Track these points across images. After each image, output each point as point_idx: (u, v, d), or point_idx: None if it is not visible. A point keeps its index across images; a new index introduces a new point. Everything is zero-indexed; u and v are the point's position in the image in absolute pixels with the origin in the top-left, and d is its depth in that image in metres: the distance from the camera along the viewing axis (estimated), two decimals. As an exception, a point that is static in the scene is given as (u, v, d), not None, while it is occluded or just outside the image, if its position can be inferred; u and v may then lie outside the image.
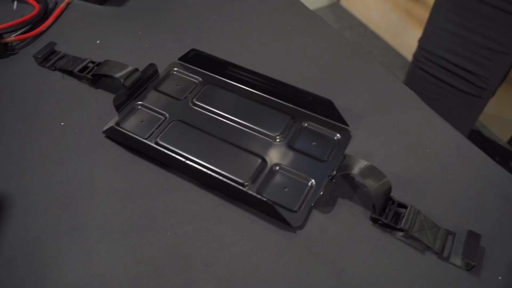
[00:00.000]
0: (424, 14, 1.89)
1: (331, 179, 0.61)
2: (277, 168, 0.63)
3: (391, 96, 0.78)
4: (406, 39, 1.94)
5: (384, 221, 0.57)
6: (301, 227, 0.58)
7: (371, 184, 0.56)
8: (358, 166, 0.58)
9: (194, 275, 0.54)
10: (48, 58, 0.81)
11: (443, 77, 1.37)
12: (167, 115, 0.70)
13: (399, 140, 0.70)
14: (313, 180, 0.62)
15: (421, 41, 1.38)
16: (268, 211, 0.58)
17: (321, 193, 0.61)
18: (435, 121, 0.76)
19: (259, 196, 0.56)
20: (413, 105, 0.77)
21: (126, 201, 0.61)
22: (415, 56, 1.41)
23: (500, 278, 0.55)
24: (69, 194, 0.61)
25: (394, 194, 0.61)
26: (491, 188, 0.64)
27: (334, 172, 0.60)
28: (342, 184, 0.63)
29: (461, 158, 0.68)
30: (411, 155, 0.68)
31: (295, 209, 0.59)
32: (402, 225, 0.56)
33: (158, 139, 0.66)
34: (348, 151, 0.67)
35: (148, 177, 0.63)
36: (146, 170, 0.64)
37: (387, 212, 0.58)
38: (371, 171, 0.58)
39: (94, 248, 0.56)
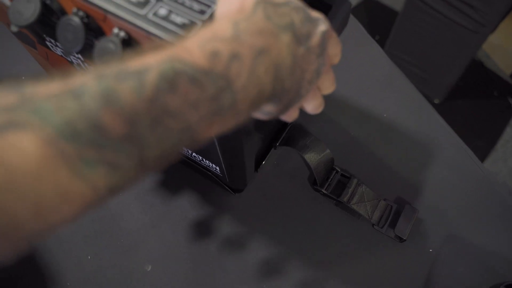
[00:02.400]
0: None
1: (274, 148, 0.61)
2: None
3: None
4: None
5: (324, 192, 0.58)
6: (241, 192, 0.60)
7: (311, 158, 0.56)
8: (301, 140, 0.58)
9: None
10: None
11: (440, 8, 1.28)
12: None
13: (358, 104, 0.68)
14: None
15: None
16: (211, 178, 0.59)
17: (263, 162, 0.61)
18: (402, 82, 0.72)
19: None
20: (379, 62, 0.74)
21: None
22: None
23: (431, 250, 0.57)
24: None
25: (344, 163, 0.61)
26: (440, 164, 0.63)
27: (277, 143, 0.60)
28: (289, 152, 0.63)
29: (418, 133, 0.67)
30: (368, 123, 0.67)
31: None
32: (341, 197, 0.57)
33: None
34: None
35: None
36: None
37: (329, 182, 0.59)
38: (314, 144, 0.57)
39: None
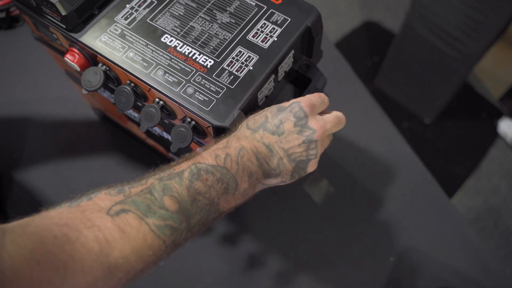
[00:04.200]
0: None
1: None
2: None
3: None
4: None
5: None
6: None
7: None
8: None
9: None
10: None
11: (431, 39, 1.42)
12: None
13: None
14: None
15: (413, 2, 1.40)
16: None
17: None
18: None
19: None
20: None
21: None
22: (408, 15, 1.44)
23: (392, 259, 0.71)
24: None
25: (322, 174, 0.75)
26: (403, 186, 0.77)
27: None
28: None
29: (388, 159, 0.80)
30: (346, 149, 0.81)
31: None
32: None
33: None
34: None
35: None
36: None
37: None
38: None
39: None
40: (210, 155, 0.41)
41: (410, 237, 0.72)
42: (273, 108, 0.44)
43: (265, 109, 0.44)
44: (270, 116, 0.43)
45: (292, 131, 0.42)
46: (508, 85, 1.80)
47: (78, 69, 0.51)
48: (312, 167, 0.44)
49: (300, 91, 0.57)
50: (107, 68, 0.49)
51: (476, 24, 1.28)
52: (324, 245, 0.72)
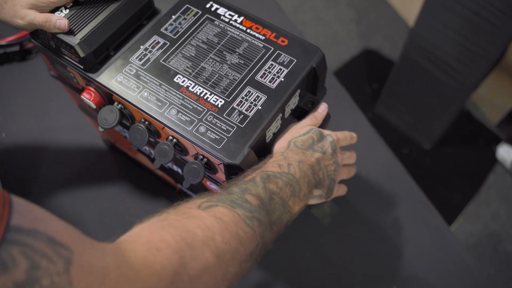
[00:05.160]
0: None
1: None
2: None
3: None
4: (415, 8, 1.97)
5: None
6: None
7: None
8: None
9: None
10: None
11: (428, 68, 1.46)
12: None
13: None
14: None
15: (411, 33, 1.44)
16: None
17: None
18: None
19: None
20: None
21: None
22: (406, 45, 1.49)
23: (394, 287, 0.72)
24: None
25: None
26: (402, 214, 0.79)
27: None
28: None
29: (389, 189, 0.83)
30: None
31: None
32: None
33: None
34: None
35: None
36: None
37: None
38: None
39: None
40: (273, 166, 0.48)
41: (412, 265, 0.74)
42: (317, 132, 0.53)
43: (310, 130, 0.53)
44: (316, 140, 0.52)
45: (330, 152, 0.52)
46: (505, 111, 1.84)
47: (94, 106, 0.54)
48: (336, 190, 0.55)
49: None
50: (122, 107, 0.52)
51: (472, 54, 1.32)
52: (328, 273, 0.73)
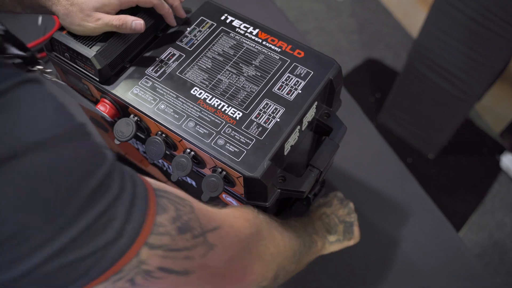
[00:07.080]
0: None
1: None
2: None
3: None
4: (416, 19, 1.98)
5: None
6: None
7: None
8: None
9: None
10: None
11: (433, 77, 1.46)
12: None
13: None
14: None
15: (415, 43, 1.45)
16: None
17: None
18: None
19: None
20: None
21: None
22: (410, 55, 1.49)
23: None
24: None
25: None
26: (411, 224, 0.79)
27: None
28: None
29: (399, 200, 0.82)
30: (359, 189, 0.82)
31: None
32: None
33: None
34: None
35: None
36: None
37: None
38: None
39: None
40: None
41: (424, 276, 0.73)
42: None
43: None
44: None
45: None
46: (508, 120, 1.84)
47: (109, 118, 0.53)
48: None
49: (319, 137, 0.60)
50: (138, 119, 0.52)
51: (476, 64, 1.32)
52: (342, 284, 0.72)
